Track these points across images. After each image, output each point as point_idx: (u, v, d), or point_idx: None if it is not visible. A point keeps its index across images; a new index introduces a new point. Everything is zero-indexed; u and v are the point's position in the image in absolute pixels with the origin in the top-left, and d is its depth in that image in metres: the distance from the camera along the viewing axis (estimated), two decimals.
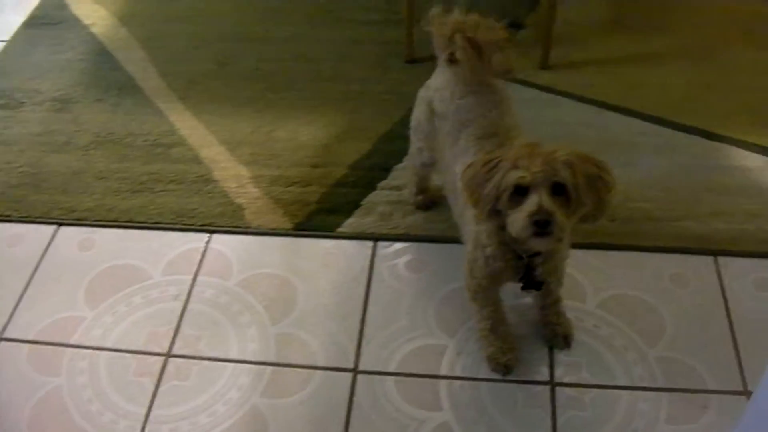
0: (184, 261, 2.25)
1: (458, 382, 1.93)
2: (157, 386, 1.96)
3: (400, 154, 2.43)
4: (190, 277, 2.21)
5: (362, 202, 2.37)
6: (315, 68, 2.92)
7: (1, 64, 3.03)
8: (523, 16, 3.08)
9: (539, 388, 1.91)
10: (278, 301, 2.13)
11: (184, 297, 2.16)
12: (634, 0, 3.18)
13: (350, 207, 2.36)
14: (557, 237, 1.56)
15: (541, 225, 1.52)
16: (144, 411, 1.91)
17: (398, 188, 2.39)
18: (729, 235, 2.21)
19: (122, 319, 2.11)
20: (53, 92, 2.87)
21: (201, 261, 2.25)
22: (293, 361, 2.00)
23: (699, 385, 1.89)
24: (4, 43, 3.13)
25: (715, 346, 1.97)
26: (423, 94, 2.05)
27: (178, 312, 2.12)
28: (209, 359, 2.02)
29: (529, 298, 2.03)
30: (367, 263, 2.21)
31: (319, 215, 2.34)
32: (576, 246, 1.90)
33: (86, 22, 3.22)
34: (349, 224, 2.31)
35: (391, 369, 1.96)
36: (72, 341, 2.07)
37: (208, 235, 2.32)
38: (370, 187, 2.42)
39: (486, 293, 1.87)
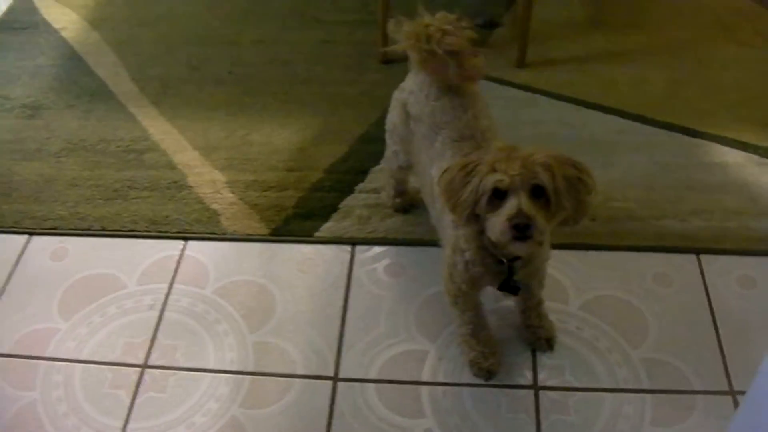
0: (159, 269, 2.22)
1: (440, 388, 1.91)
2: (133, 399, 1.93)
3: (377, 156, 2.41)
4: (166, 285, 2.17)
5: (339, 206, 2.34)
6: (289, 71, 2.89)
7: None
8: (499, 14, 3.06)
9: (523, 392, 1.89)
10: (256, 309, 2.10)
11: (159, 306, 2.12)
12: None
13: (327, 211, 2.33)
14: (537, 241, 1.54)
15: (521, 229, 1.49)
16: (120, 424, 1.88)
17: (376, 191, 2.36)
18: (711, 233, 2.21)
19: (97, 330, 2.08)
20: (24, 98, 2.82)
21: (176, 269, 2.21)
22: (272, 370, 1.97)
23: (684, 385, 1.88)
24: None
25: (700, 346, 1.96)
26: (397, 96, 2.02)
27: (154, 322, 2.09)
28: (186, 370, 1.98)
29: (510, 302, 2.01)
30: (345, 268, 2.19)
31: (295, 220, 2.31)
32: (557, 246, 1.89)
33: (57, 26, 3.17)
34: (327, 228, 2.28)
35: (372, 376, 1.94)
36: (46, 354, 2.03)
37: (183, 242, 2.29)
38: (348, 190, 2.39)
39: (466, 298, 1.84)
